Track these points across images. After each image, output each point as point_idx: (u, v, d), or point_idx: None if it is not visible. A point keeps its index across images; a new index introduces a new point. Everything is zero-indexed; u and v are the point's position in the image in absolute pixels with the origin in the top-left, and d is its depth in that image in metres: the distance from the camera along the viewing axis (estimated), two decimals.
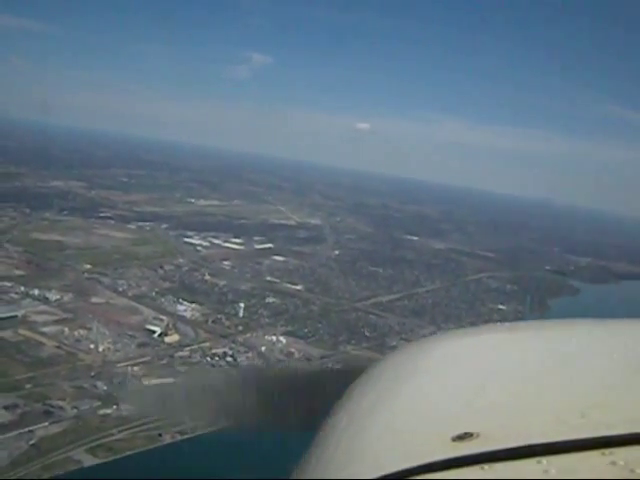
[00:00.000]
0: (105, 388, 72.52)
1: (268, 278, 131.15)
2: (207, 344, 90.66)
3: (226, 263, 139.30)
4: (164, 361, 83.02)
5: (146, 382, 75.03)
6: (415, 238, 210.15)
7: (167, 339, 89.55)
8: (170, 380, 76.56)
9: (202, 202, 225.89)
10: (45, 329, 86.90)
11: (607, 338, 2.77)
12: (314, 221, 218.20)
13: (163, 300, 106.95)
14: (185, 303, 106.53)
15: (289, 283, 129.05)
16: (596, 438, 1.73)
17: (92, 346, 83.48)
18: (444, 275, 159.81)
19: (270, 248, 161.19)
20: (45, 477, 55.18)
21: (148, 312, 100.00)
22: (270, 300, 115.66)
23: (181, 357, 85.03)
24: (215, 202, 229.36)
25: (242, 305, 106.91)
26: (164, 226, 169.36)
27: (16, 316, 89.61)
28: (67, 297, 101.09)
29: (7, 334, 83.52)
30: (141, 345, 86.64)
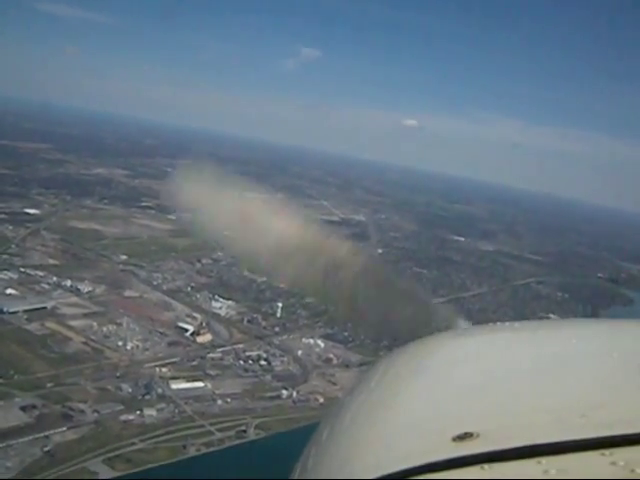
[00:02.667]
0: (130, 390, 68.47)
1: None
2: (241, 345, 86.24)
3: None
4: (194, 362, 78.74)
5: (173, 386, 70.89)
6: (462, 239, 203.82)
7: (199, 339, 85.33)
8: (199, 384, 72.62)
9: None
10: (73, 323, 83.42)
11: (607, 338, 2.77)
12: (358, 217, 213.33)
13: (198, 296, 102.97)
14: (221, 300, 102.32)
15: None
16: (596, 438, 1.75)
17: (120, 343, 79.70)
18: (491, 279, 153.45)
19: None
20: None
21: (182, 308, 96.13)
22: (309, 300, 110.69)
23: (213, 359, 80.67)
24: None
25: (280, 304, 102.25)
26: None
27: (45, 307, 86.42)
28: (99, 289, 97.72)
29: (33, 327, 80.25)
30: (171, 344, 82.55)
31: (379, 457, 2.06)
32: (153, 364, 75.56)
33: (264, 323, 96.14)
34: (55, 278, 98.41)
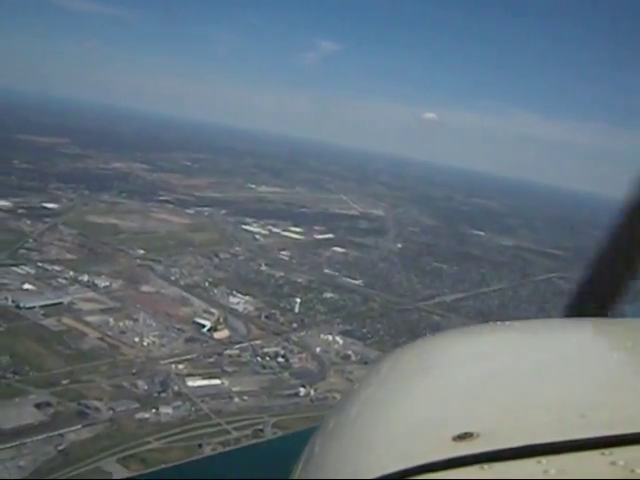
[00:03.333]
0: (146, 388, 67.57)
1: (327, 271, 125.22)
2: (259, 342, 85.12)
3: (284, 253, 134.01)
4: (211, 359, 77.78)
5: (190, 383, 69.91)
6: (481, 233, 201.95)
7: (216, 335, 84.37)
8: (216, 381, 71.60)
9: (263, 188, 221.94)
10: (90, 318, 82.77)
11: (607, 338, 2.80)
12: (377, 212, 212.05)
13: (216, 291, 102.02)
14: (238, 295, 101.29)
15: (348, 277, 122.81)
16: (596, 438, 1.75)
17: (137, 339, 78.93)
18: (512, 274, 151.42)
19: (330, 239, 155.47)
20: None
21: (199, 304, 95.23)
22: (328, 295, 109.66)
23: (230, 356, 79.65)
24: (276, 189, 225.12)
25: (298, 300, 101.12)
26: (223, 212, 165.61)
27: (61, 303, 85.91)
28: (117, 284, 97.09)
29: (50, 322, 79.73)
30: (188, 340, 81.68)
31: (379, 457, 2.03)
32: (169, 361, 74.70)
33: (282, 319, 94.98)
34: (72, 273, 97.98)
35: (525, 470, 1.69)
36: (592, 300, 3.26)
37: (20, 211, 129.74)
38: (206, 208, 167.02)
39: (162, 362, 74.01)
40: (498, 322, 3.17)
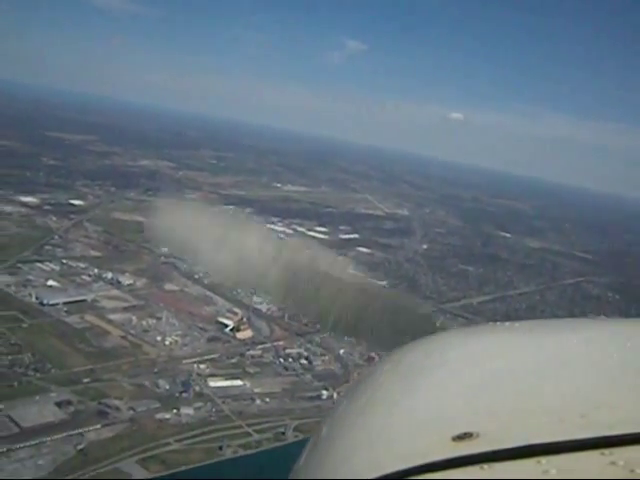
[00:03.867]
0: (167, 387, 66.92)
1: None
2: (281, 343, 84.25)
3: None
4: (234, 359, 76.98)
5: (212, 384, 69.16)
6: (508, 235, 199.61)
7: (239, 335, 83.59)
8: (238, 382, 70.84)
9: (289, 187, 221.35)
10: (113, 316, 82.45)
11: (607, 338, 2.79)
12: (402, 212, 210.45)
13: (239, 290, 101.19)
14: (262, 295, 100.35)
15: (373, 278, 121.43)
16: (596, 438, 1.77)
17: (159, 338, 78.42)
18: (539, 277, 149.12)
19: (355, 239, 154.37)
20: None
21: (222, 303, 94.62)
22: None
23: (252, 356, 78.81)
24: (302, 188, 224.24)
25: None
26: (248, 210, 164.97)
27: (85, 300, 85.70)
28: (140, 282, 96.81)
29: (73, 319, 79.48)
30: (211, 340, 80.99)
31: (379, 457, 2.05)
32: (191, 360, 74.06)
33: (305, 320, 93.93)
34: (96, 270, 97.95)
35: (525, 470, 1.70)
36: None
37: (46, 207, 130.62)
38: (231, 206, 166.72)
39: (184, 362, 73.41)
40: (497, 323, 3.16)
